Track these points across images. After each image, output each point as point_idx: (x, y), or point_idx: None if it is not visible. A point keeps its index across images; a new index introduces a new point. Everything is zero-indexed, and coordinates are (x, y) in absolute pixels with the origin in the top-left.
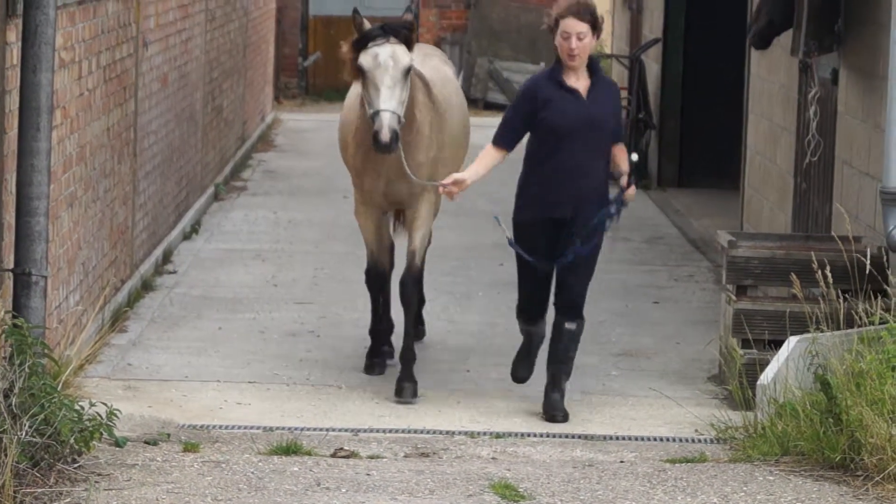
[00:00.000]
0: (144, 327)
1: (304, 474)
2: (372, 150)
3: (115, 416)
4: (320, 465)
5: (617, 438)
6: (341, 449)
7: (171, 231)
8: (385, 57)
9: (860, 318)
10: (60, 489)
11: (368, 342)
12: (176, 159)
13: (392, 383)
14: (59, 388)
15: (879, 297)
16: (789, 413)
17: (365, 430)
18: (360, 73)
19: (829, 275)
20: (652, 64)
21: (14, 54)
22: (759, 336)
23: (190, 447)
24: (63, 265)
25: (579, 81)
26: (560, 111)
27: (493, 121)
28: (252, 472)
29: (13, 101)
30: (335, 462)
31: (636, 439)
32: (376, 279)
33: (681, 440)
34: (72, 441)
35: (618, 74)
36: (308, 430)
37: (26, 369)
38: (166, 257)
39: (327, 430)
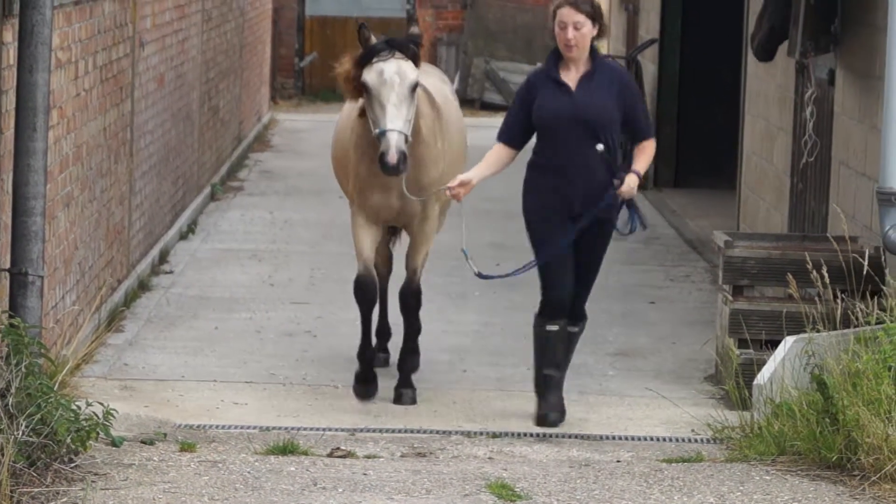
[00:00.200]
0: (141, 327)
1: (300, 474)
2: (377, 166)
3: (112, 415)
4: (317, 465)
5: (613, 438)
6: (338, 449)
7: (168, 231)
8: (391, 73)
9: (857, 318)
10: (57, 489)
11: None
12: (172, 159)
13: (388, 382)
14: (55, 388)
15: (876, 298)
16: (786, 413)
17: (361, 430)
18: (364, 90)
19: (826, 275)
20: (648, 65)
21: (10, 54)
22: (756, 336)
23: (186, 447)
24: (59, 265)
25: (574, 74)
26: (545, 105)
27: (490, 121)
28: (249, 472)
29: (10, 101)
30: (332, 462)
31: (633, 439)
32: (367, 290)
33: (677, 440)
34: (68, 441)
35: None
36: (305, 429)
37: (23, 369)
38: (163, 257)
39: (324, 429)
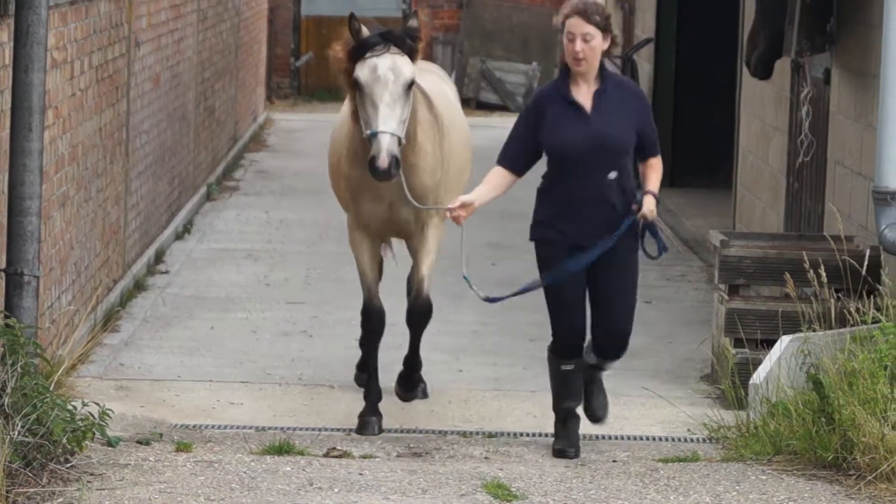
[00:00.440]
0: (137, 327)
1: (296, 474)
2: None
3: (108, 415)
4: (313, 465)
5: (609, 438)
6: (334, 448)
7: (164, 231)
8: (385, 70)
9: (853, 318)
10: (53, 489)
11: (358, 358)
12: (168, 159)
13: (387, 383)
14: (51, 388)
15: (872, 297)
16: (781, 412)
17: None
18: (355, 87)
19: (822, 274)
20: (644, 64)
21: (6, 54)
22: (752, 335)
23: (182, 447)
24: (55, 265)
25: (587, 92)
26: (559, 133)
27: (486, 120)
28: (244, 472)
29: (5, 101)
30: (328, 462)
31: (628, 438)
32: (377, 318)
33: (673, 439)
34: (64, 441)
35: None
36: (300, 429)
37: (18, 369)
38: (158, 257)
39: (320, 429)
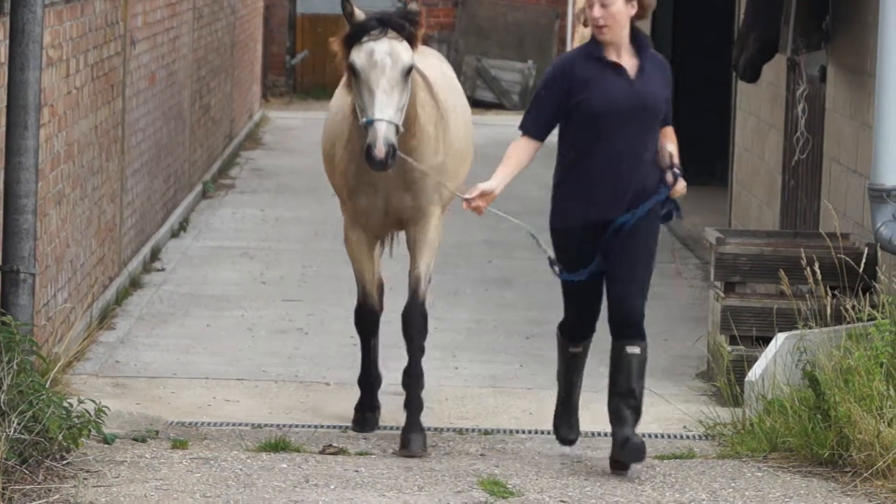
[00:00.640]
0: (132, 325)
1: (292, 471)
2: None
3: (104, 413)
4: (309, 462)
5: (605, 435)
6: (330, 446)
7: (159, 229)
8: (382, 54)
9: (848, 315)
10: (49, 486)
11: (358, 357)
12: (164, 157)
13: (386, 381)
14: (47, 386)
15: (867, 294)
16: (777, 409)
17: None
18: (351, 73)
19: (818, 271)
20: None
21: (1, 52)
22: (747, 333)
23: (178, 444)
24: (51, 263)
25: (624, 59)
26: (604, 91)
27: (481, 118)
28: (241, 469)
29: (0, 100)
30: (323, 459)
31: None
32: (370, 317)
33: (669, 436)
34: (60, 438)
35: None
36: (296, 426)
37: (14, 366)
38: (154, 255)
39: (316, 427)
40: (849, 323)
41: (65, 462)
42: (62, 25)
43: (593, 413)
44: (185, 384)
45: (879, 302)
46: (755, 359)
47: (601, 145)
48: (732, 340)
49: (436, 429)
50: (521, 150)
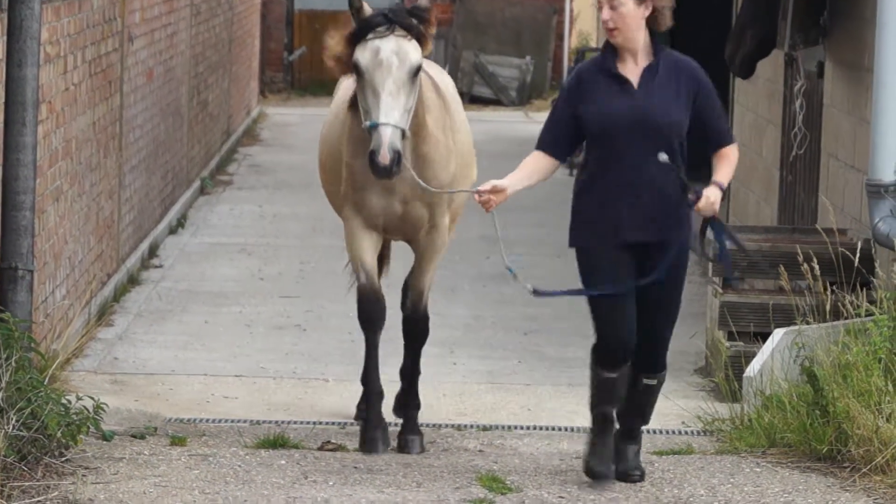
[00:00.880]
0: (131, 321)
1: (291, 467)
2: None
3: (102, 409)
4: (307, 459)
5: None
6: (328, 442)
7: (157, 225)
8: (388, 53)
9: (846, 310)
10: (48, 483)
11: (360, 353)
12: (162, 153)
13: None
14: (45, 382)
15: (865, 289)
16: (776, 405)
17: (352, 424)
18: (355, 73)
19: (816, 267)
20: None
21: None
22: (745, 328)
23: (177, 441)
24: (49, 259)
25: (634, 67)
26: (601, 105)
27: (479, 114)
28: (239, 466)
29: None
30: (322, 455)
31: None
32: (373, 306)
33: (668, 432)
34: (59, 435)
35: None
36: (295, 423)
37: (13, 363)
38: (152, 251)
39: (314, 423)
40: (847, 318)
41: (63, 459)
42: (60, 22)
43: None
44: (184, 381)
45: (877, 297)
46: (753, 354)
47: (611, 164)
48: (731, 336)
49: (434, 425)
50: (535, 162)
